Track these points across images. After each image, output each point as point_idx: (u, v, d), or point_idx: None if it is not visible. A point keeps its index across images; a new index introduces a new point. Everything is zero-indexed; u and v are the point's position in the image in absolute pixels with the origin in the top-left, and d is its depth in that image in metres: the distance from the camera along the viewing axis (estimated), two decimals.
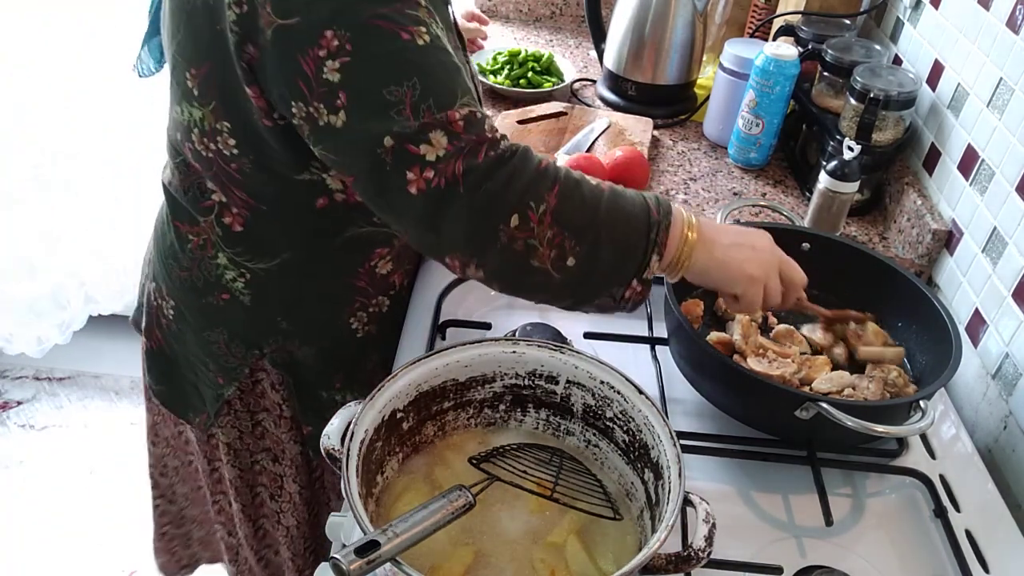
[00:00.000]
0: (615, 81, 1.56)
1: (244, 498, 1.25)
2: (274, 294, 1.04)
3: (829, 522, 0.87)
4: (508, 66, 1.57)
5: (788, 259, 0.91)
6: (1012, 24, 1.07)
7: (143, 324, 1.18)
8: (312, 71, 0.76)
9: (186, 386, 1.16)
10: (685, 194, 1.34)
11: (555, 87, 1.55)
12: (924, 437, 1.02)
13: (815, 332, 1.04)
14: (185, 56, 0.88)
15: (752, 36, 1.56)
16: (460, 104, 0.77)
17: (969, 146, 1.15)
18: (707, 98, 1.50)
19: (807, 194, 1.36)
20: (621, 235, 0.81)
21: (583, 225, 0.80)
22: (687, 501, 0.71)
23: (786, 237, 1.12)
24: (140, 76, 1.16)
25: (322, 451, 0.73)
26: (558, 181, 0.80)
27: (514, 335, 1.05)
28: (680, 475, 0.71)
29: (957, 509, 0.93)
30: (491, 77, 1.56)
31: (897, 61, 1.41)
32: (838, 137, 1.27)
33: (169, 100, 0.96)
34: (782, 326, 1.05)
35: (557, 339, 1.03)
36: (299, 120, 0.80)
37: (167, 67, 0.95)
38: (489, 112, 1.52)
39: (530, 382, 0.84)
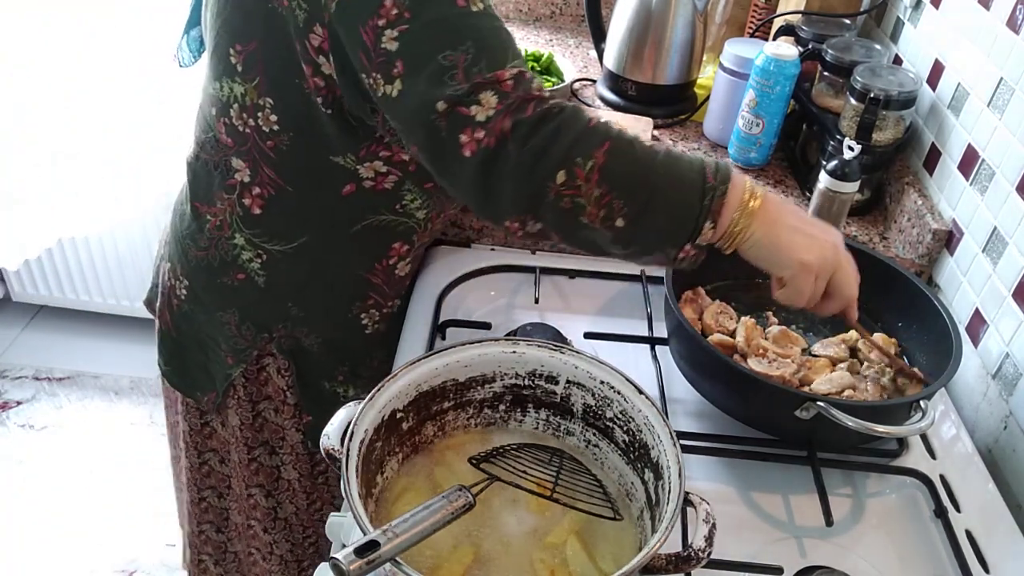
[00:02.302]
0: (615, 81, 1.56)
1: (242, 486, 1.26)
2: (288, 277, 1.05)
3: (829, 522, 0.87)
4: None
5: (848, 268, 0.86)
6: (1012, 24, 1.07)
7: (156, 304, 1.20)
8: (371, 41, 0.77)
9: (194, 366, 1.17)
10: None
11: (555, 87, 1.55)
12: (924, 437, 1.02)
13: (827, 348, 1.03)
14: (231, 32, 0.90)
15: (752, 36, 1.56)
16: (511, 65, 0.77)
17: (969, 146, 1.15)
18: (707, 98, 1.50)
19: (807, 194, 1.36)
20: (673, 199, 0.79)
21: (633, 186, 0.78)
22: (687, 501, 0.71)
23: None
24: (181, 66, 1.18)
25: (322, 451, 0.73)
26: (609, 138, 0.78)
27: (514, 335, 1.05)
28: (680, 475, 0.71)
29: (957, 509, 0.93)
30: None
31: (897, 61, 1.41)
32: (838, 137, 1.27)
33: (206, 77, 0.98)
34: (777, 327, 1.05)
35: (557, 339, 1.03)
36: (371, 93, 0.81)
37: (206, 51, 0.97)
38: None
39: (530, 382, 0.84)
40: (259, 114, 0.92)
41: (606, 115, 1.44)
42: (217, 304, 1.09)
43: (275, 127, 0.93)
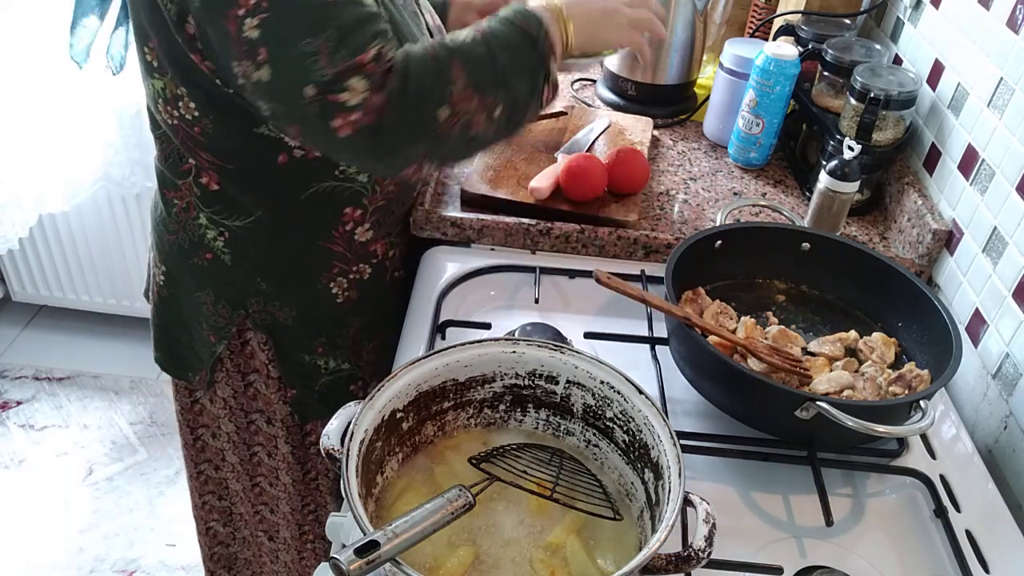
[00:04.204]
0: (615, 81, 1.56)
1: (242, 453, 1.29)
2: (251, 253, 1.08)
3: (829, 522, 0.87)
4: None
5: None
6: (1012, 24, 1.07)
7: (149, 293, 1.25)
8: (235, 30, 0.81)
9: (180, 348, 1.21)
10: (685, 194, 1.34)
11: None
12: (924, 437, 1.02)
13: (824, 346, 1.03)
14: (141, 33, 0.95)
15: (752, 36, 1.56)
16: (371, 46, 0.82)
17: (969, 146, 1.15)
18: (707, 98, 1.50)
19: (807, 194, 1.36)
20: (521, 63, 0.91)
21: (492, 78, 0.89)
22: (687, 501, 0.71)
23: (786, 237, 1.12)
24: (114, 74, 1.22)
25: (322, 451, 0.73)
26: (450, 55, 0.87)
27: (514, 335, 1.05)
28: (680, 475, 0.71)
29: (957, 509, 0.93)
30: None
31: (897, 61, 1.41)
32: (838, 137, 1.27)
33: (141, 80, 1.03)
34: (776, 327, 1.05)
35: (557, 339, 1.03)
36: (241, 79, 0.85)
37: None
38: None
39: (530, 382, 0.84)
40: (179, 103, 0.97)
41: (606, 115, 1.45)
42: (193, 285, 1.12)
43: (196, 113, 0.97)
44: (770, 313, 1.09)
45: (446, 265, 1.21)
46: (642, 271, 1.19)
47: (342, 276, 1.12)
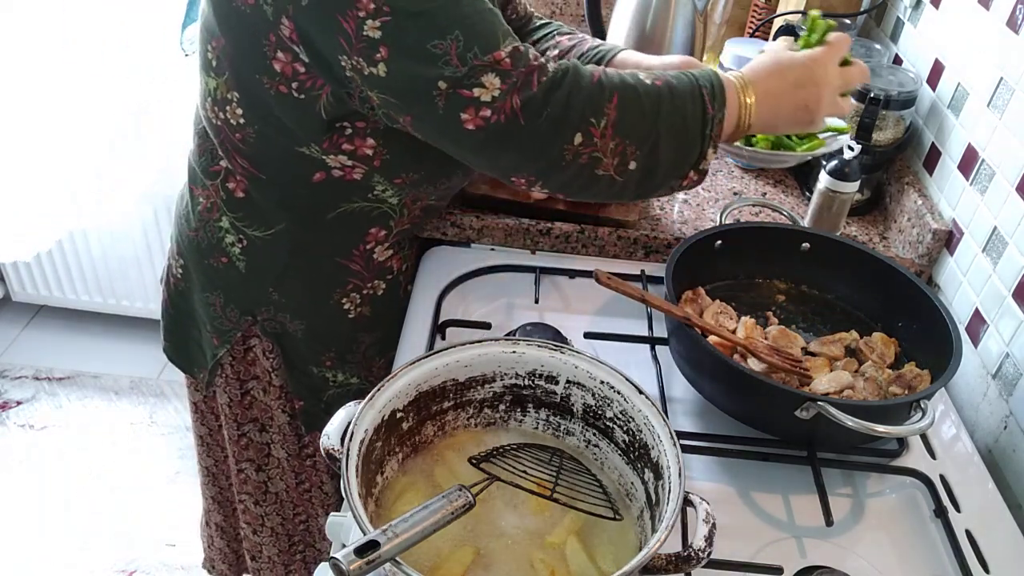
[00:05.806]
0: None
1: (230, 468, 1.29)
2: (267, 263, 1.08)
3: (829, 522, 0.87)
4: None
5: (825, 64, 0.93)
6: (1012, 24, 1.07)
7: (164, 281, 1.25)
8: (353, 29, 0.80)
9: (190, 342, 1.21)
10: (685, 194, 1.34)
11: None
12: (924, 437, 1.02)
13: (824, 347, 1.03)
14: (208, 29, 0.94)
15: (752, 36, 1.56)
16: (504, 44, 0.80)
17: (969, 146, 1.15)
18: None
19: (807, 194, 1.36)
20: (679, 136, 0.87)
21: (644, 131, 0.85)
22: (687, 501, 0.71)
23: (786, 237, 1.12)
24: (186, 55, 1.22)
25: (322, 451, 0.73)
26: (616, 91, 0.84)
27: (514, 335, 1.05)
28: (680, 475, 0.71)
29: (957, 509, 0.93)
30: None
31: (897, 61, 1.41)
32: None
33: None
34: (777, 327, 1.05)
35: (557, 339, 1.03)
36: (350, 72, 0.83)
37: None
38: None
39: (530, 382, 0.84)
40: (227, 107, 0.96)
41: None
42: (205, 285, 1.12)
43: (241, 120, 0.96)
44: (770, 313, 1.09)
45: (446, 265, 1.21)
46: (642, 271, 1.19)
47: (356, 292, 1.11)
